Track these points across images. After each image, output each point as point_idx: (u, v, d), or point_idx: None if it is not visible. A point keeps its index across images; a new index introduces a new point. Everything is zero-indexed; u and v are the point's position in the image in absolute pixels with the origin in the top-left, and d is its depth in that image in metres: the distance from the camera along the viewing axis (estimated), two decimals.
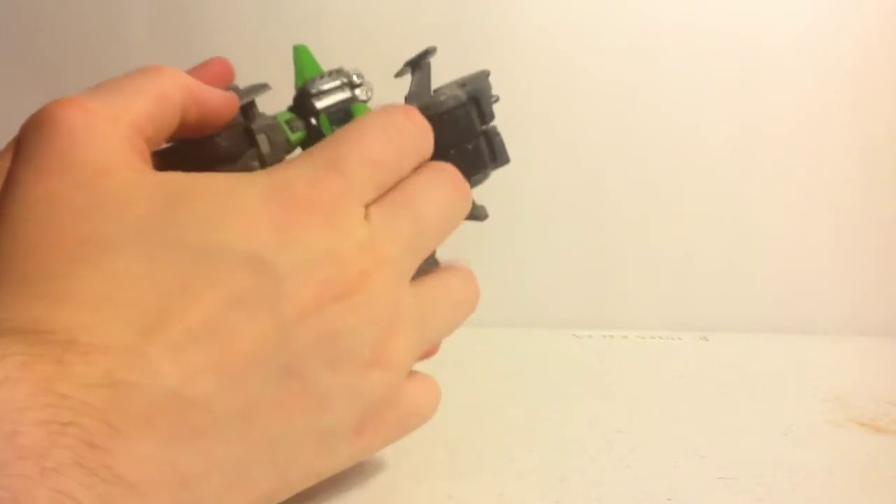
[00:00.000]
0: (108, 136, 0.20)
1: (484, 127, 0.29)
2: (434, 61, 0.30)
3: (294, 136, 0.26)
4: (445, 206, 0.24)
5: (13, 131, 0.21)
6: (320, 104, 0.27)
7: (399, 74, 0.30)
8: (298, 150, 0.27)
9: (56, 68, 0.51)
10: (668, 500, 0.28)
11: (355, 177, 0.22)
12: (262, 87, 0.27)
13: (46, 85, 0.52)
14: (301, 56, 0.29)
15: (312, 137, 0.27)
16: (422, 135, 0.25)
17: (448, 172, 0.25)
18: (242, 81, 0.49)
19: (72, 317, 0.17)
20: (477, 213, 0.29)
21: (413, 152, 0.24)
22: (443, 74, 0.31)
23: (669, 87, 0.50)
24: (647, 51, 0.50)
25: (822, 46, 0.50)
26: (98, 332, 0.17)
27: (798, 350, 0.47)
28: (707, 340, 0.48)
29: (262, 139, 0.25)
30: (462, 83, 0.29)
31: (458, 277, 0.26)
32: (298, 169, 0.21)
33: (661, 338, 0.49)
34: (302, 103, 0.27)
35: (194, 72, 0.26)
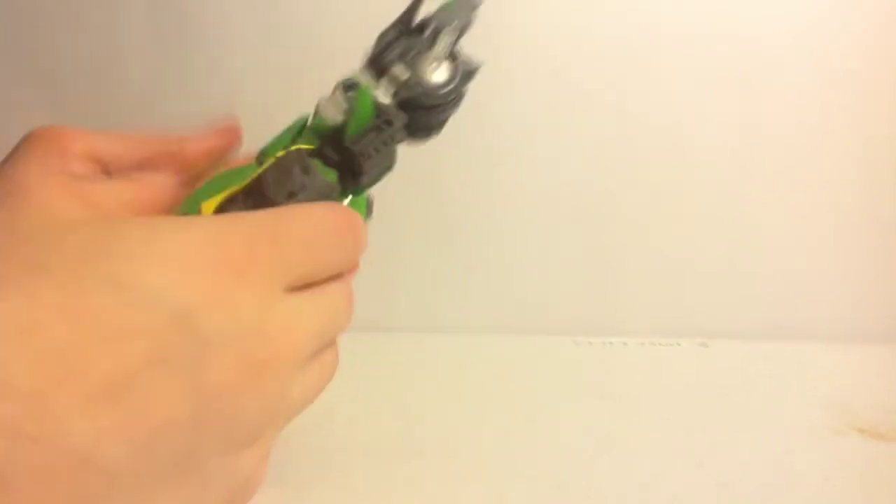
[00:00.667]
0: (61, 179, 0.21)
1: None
2: None
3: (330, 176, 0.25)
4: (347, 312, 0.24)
5: (13, 131, 0.21)
6: (366, 177, 0.26)
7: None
8: None
9: (56, 68, 0.51)
10: None
11: (292, 255, 0.21)
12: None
13: (46, 85, 0.51)
14: (362, 100, 0.26)
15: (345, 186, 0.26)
16: (358, 250, 0.25)
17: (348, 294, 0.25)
18: (244, 81, 0.49)
19: None
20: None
21: (344, 261, 0.24)
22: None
23: (669, 89, 0.50)
24: (647, 52, 0.49)
25: (822, 46, 0.49)
26: (9, 371, 0.15)
27: (798, 356, 0.47)
28: (707, 346, 0.48)
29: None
30: (457, 63, 0.28)
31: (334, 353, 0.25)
32: (243, 226, 0.20)
33: (660, 344, 0.48)
34: (342, 152, 0.26)
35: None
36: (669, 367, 0.45)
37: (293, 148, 0.25)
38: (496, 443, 0.34)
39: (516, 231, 0.51)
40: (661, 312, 0.51)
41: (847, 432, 0.35)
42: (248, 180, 0.24)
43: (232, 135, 0.28)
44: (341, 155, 0.26)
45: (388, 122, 0.26)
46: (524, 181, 0.50)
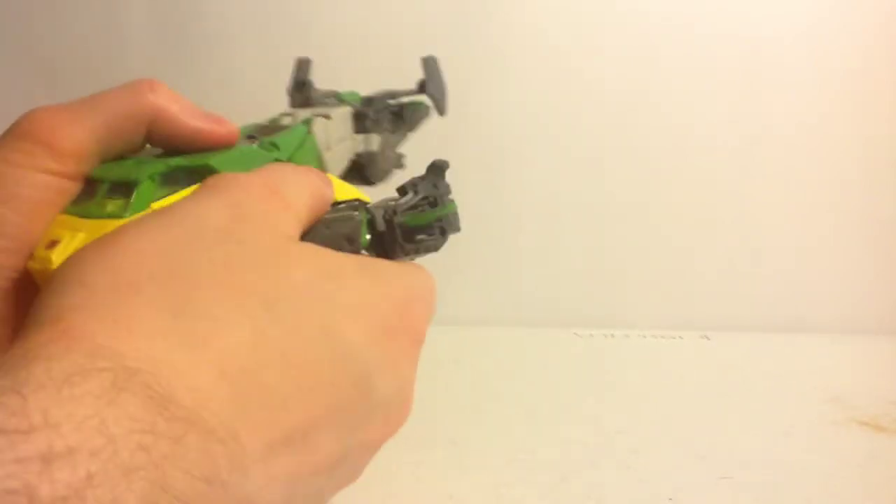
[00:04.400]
0: None
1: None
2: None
3: (365, 240, 0.25)
4: None
5: None
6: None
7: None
8: None
9: (56, 65, 0.51)
10: (669, 499, 0.28)
11: (427, 321, 0.22)
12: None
13: (47, 84, 0.52)
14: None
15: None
16: None
17: None
18: (243, 82, 0.49)
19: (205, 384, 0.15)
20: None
21: None
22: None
23: (670, 89, 0.50)
24: (648, 52, 0.50)
25: (822, 47, 0.50)
26: (217, 409, 0.14)
27: (799, 349, 0.47)
28: (709, 339, 0.48)
29: None
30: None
31: None
32: (397, 288, 0.20)
33: (662, 337, 0.48)
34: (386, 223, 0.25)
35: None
36: (671, 359, 0.45)
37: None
38: (498, 433, 0.34)
39: (519, 224, 0.51)
40: (663, 305, 0.52)
41: (848, 425, 0.35)
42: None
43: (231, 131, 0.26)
44: None
45: None
46: (528, 177, 0.50)
